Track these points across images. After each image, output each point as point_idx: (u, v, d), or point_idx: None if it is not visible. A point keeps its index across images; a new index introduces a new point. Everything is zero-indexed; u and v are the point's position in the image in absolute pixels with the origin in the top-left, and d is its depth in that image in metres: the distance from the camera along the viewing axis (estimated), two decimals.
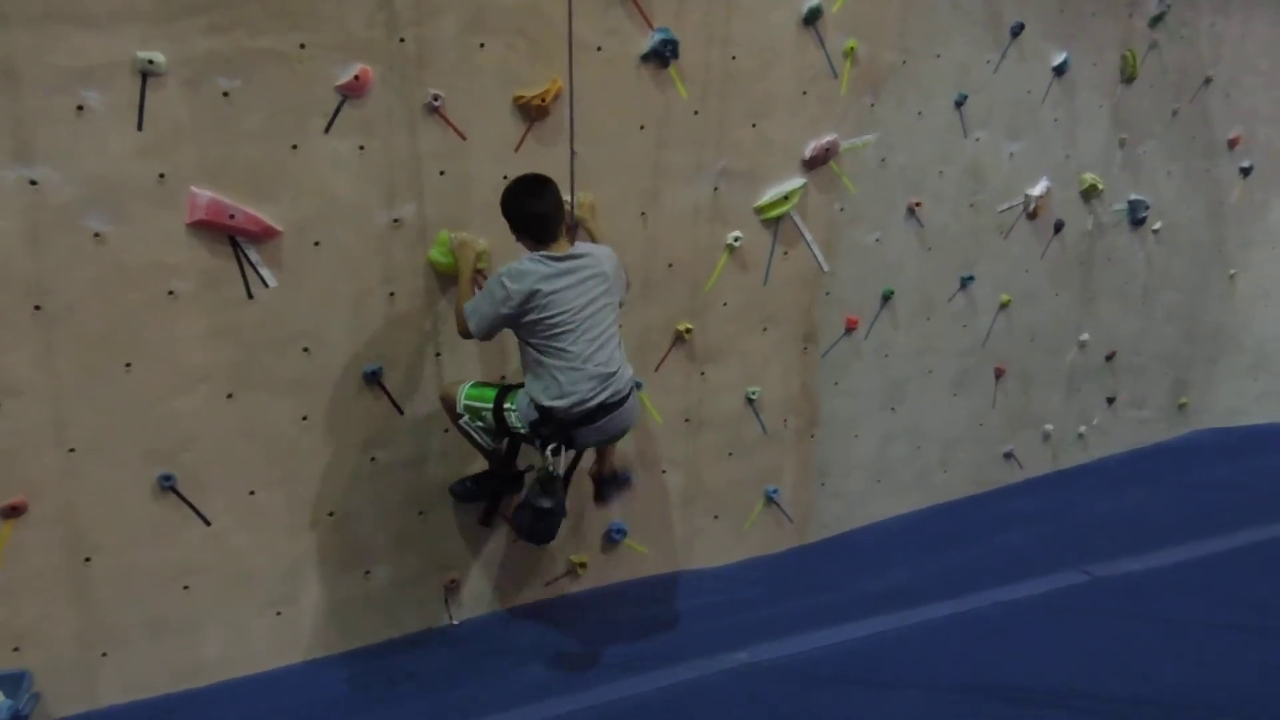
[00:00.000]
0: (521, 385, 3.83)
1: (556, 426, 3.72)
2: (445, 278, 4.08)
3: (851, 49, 4.88)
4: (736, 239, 4.77)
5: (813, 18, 4.70)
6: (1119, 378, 6.89)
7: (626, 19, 4.24)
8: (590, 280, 3.68)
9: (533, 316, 3.61)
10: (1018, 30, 5.50)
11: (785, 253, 4.95)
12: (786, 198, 4.85)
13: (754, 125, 4.69)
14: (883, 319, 5.44)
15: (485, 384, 3.98)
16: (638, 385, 4.15)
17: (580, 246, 3.77)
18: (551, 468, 3.72)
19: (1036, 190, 5.90)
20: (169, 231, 3.56)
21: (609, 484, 4.47)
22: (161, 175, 3.50)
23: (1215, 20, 6.55)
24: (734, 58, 4.55)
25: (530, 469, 4.14)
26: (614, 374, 3.73)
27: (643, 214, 4.45)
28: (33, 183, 3.32)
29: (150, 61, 3.40)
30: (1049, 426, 6.52)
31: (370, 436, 4.09)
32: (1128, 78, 6.17)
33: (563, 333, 3.62)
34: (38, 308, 3.41)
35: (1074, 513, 5.94)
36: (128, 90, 3.40)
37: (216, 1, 3.46)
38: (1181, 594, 4.80)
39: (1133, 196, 6.50)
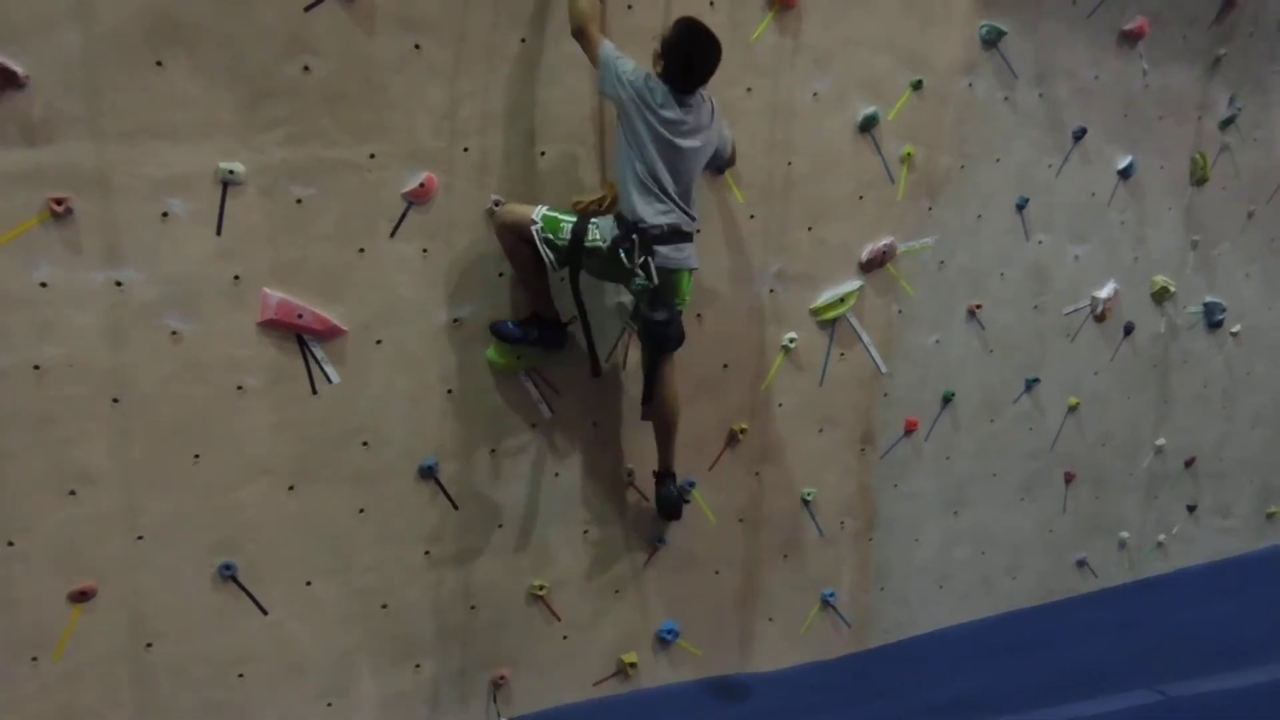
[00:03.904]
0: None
1: (641, 239, 3.86)
2: (502, 376, 4.20)
3: (909, 154, 4.94)
4: (792, 340, 4.81)
5: (869, 125, 4.79)
6: (1200, 484, 6.64)
7: None
8: (694, 133, 3.91)
9: (639, 124, 3.82)
10: (1080, 134, 5.51)
11: (842, 354, 4.97)
12: (843, 300, 4.89)
13: (810, 229, 4.76)
14: (943, 421, 5.38)
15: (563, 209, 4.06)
16: None
17: (701, 97, 3.96)
18: (644, 280, 3.87)
19: (1104, 293, 5.82)
20: (241, 329, 3.75)
21: (672, 499, 4.40)
22: (236, 277, 3.71)
23: None
24: (790, 163, 4.66)
25: (573, 320, 4.15)
26: (689, 207, 3.98)
27: (699, 315, 4.52)
28: (118, 284, 3.55)
29: (231, 172, 3.64)
30: (1125, 534, 6.31)
31: (425, 530, 4.17)
32: (1198, 180, 6.11)
33: (658, 159, 3.85)
34: (116, 400, 3.60)
35: (1151, 626, 5.70)
36: (209, 198, 3.63)
37: (294, 116, 3.69)
38: (1261, 718, 4.54)
39: (1208, 299, 6.37)
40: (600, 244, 3.91)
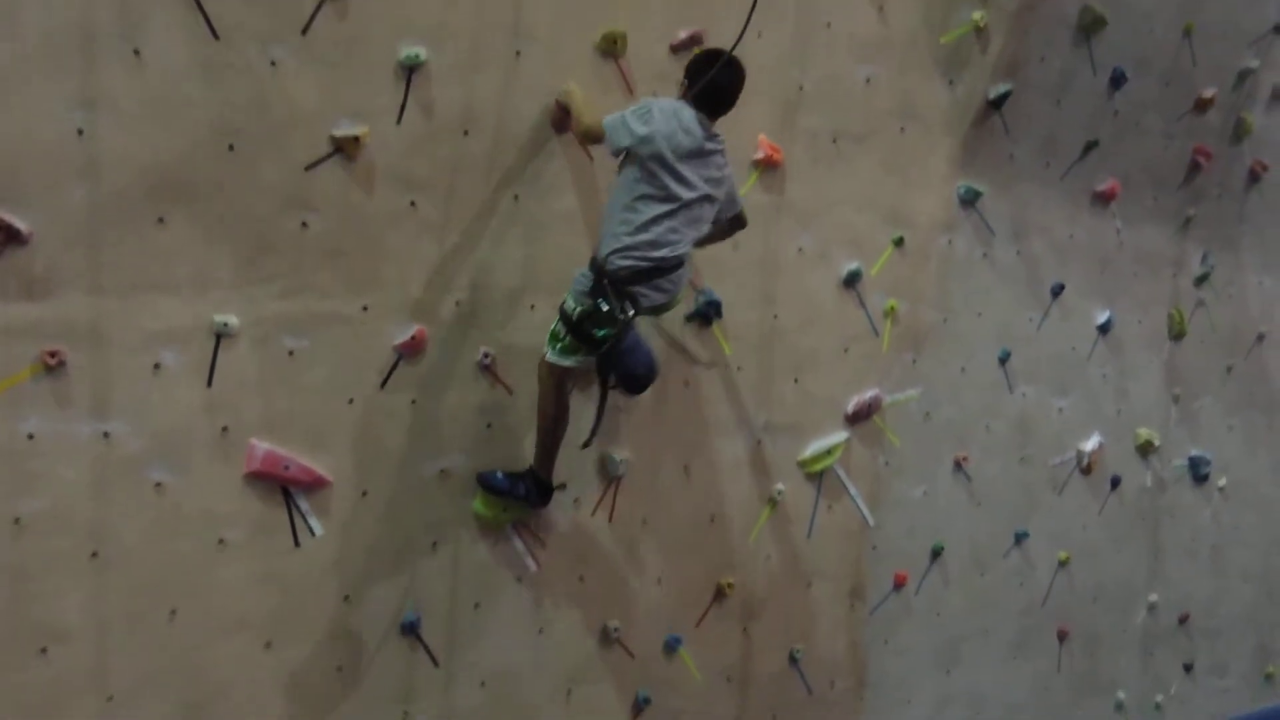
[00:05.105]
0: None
1: (611, 284, 3.71)
2: (487, 529, 4.16)
3: (892, 308, 5.05)
4: (779, 492, 4.80)
5: (852, 280, 4.91)
6: (1195, 642, 6.54)
7: None
8: (713, 169, 3.82)
9: (653, 163, 3.68)
10: (1058, 290, 5.65)
11: (829, 506, 4.95)
12: (830, 451, 4.91)
13: (796, 381, 4.82)
14: (933, 575, 5.33)
15: None
16: None
17: (720, 139, 3.86)
18: (621, 315, 3.70)
19: (1089, 445, 5.86)
20: (225, 481, 3.71)
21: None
22: (225, 428, 3.69)
23: (1263, 279, 6.65)
24: (776, 316, 4.75)
25: (563, 486, 4.12)
26: (680, 250, 3.80)
27: (685, 467, 4.52)
28: (105, 435, 3.53)
29: (225, 324, 3.66)
30: (1121, 694, 6.17)
31: (404, 689, 4.04)
32: (1176, 335, 6.24)
33: (658, 191, 3.71)
34: (94, 554, 3.53)
35: None
36: (202, 349, 3.64)
37: (290, 270, 3.75)
38: None
39: (1194, 452, 6.41)
40: (582, 309, 3.81)
